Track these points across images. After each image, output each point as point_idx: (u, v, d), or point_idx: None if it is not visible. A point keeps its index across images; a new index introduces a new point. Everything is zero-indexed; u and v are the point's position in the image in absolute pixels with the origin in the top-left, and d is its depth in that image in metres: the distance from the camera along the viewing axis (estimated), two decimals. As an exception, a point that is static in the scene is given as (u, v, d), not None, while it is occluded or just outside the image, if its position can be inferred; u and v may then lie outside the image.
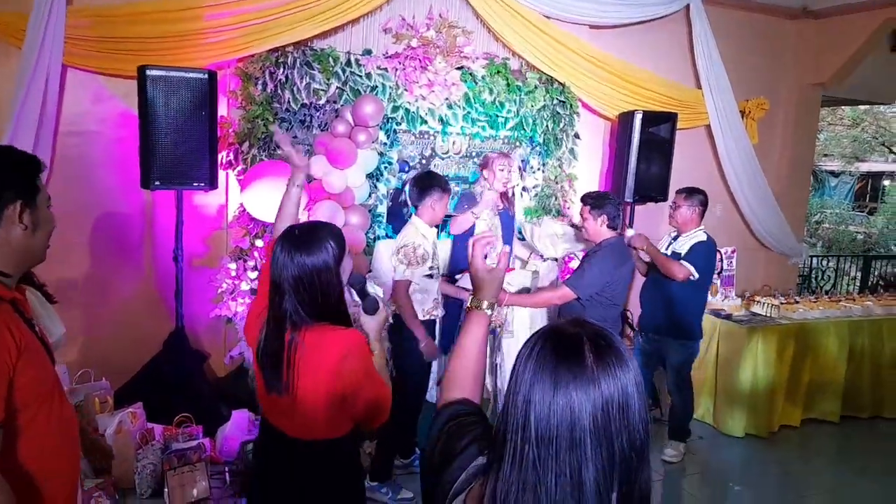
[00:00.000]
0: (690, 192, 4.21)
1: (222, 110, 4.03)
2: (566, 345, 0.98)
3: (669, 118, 5.10)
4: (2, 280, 1.38)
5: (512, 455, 0.97)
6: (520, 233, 4.65)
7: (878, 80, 6.69)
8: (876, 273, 9.35)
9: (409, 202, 3.62)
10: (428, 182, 3.50)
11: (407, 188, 3.92)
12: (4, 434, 1.31)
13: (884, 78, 6.76)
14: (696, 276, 3.99)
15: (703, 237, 4.13)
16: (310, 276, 1.83)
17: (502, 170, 4.09)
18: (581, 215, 3.74)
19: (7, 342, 1.30)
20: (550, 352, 0.98)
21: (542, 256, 4.34)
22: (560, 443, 0.94)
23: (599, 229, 3.61)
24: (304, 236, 1.88)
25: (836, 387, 5.06)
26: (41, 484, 1.39)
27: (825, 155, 17.00)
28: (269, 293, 1.89)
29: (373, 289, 3.03)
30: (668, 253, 4.18)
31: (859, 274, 9.21)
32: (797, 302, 5.30)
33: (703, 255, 4.08)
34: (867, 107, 14.39)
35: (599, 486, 0.93)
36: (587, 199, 3.68)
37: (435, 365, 4.27)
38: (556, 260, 4.37)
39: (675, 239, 4.25)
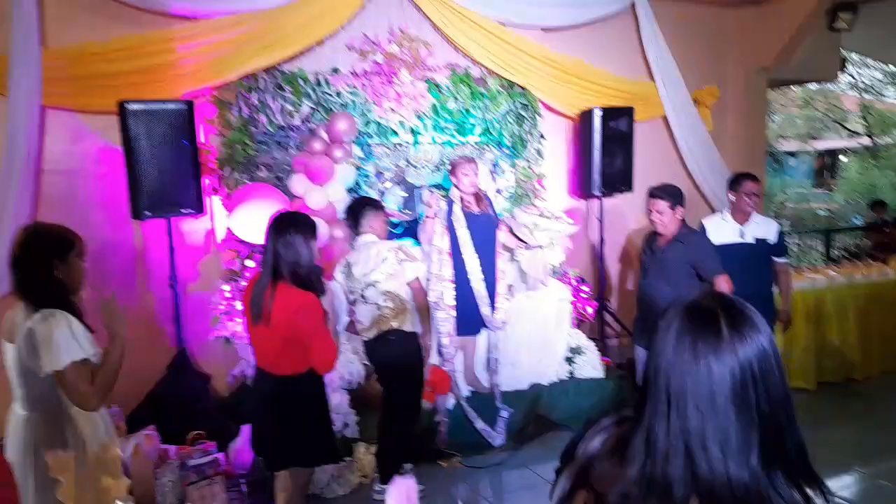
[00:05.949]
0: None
1: (201, 138, 4.16)
2: (703, 318, 1.05)
3: (626, 112, 5.31)
4: None
5: (660, 414, 1.06)
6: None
7: (819, 59, 6.95)
8: (838, 245, 9.73)
9: (352, 230, 3.65)
10: (360, 206, 3.64)
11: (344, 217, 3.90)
12: None
13: (824, 56, 7.04)
14: None
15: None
16: (289, 241, 2.57)
17: (466, 174, 4.22)
18: (655, 209, 3.71)
19: None
20: (688, 326, 1.05)
21: (526, 244, 4.48)
22: (702, 409, 1.02)
23: (677, 221, 3.69)
24: (290, 217, 2.71)
25: (809, 354, 5.32)
26: None
27: (781, 136, 17.48)
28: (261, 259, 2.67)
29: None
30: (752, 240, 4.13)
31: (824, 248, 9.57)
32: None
33: None
34: (817, 86, 14.89)
35: (740, 447, 1.02)
36: (663, 194, 3.69)
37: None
38: (542, 247, 4.50)
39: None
